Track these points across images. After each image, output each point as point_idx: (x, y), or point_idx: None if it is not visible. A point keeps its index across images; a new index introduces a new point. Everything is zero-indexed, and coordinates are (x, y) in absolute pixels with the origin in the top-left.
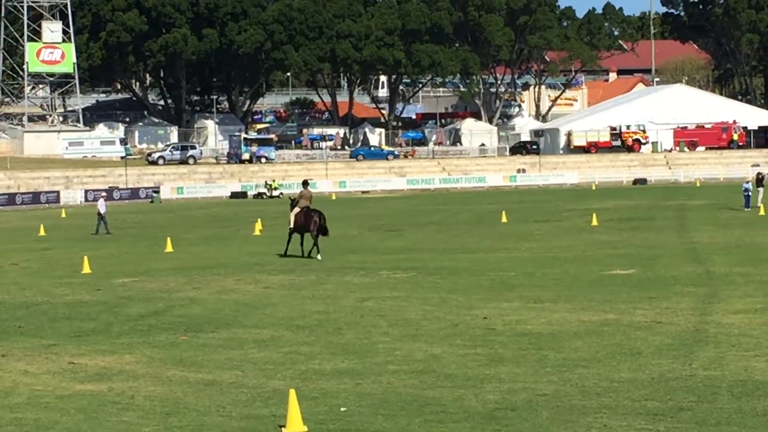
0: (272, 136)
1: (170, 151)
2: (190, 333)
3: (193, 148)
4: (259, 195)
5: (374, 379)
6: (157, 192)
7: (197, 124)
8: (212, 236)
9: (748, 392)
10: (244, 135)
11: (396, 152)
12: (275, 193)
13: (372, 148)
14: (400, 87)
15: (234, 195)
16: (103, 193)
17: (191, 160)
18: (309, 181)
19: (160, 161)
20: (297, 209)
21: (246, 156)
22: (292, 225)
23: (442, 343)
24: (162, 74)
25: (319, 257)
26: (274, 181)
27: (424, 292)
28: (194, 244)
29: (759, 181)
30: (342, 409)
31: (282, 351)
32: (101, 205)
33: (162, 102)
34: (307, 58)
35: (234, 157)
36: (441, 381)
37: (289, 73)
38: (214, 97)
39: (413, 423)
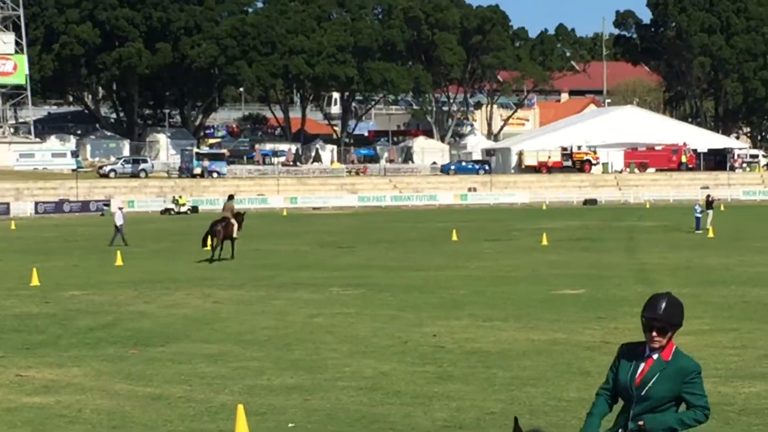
0: (224, 151)
1: (122, 164)
2: (139, 347)
3: (145, 161)
4: (167, 211)
5: (323, 395)
6: (108, 205)
7: (149, 137)
8: (162, 250)
9: None
10: (195, 149)
11: (486, 167)
12: (183, 209)
13: (463, 163)
14: (353, 104)
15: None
16: (120, 205)
17: (143, 174)
18: (233, 196)
19: (112, 174)
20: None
21: (198, 170)
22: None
23: (392, 360)
24: (114, 87)
25: (209, 262)
26: (181, 197)
27: (374, 309)
28: (144, 258)
29: (709, 203)
30: (290, 425)
31: (231, 366)
32: (119, 217)
33: (114, 115)
34: (260, 73)
35: (185, 172)
36: (389, 398)
37: (241, 89)
38: (167, 111)
39: None
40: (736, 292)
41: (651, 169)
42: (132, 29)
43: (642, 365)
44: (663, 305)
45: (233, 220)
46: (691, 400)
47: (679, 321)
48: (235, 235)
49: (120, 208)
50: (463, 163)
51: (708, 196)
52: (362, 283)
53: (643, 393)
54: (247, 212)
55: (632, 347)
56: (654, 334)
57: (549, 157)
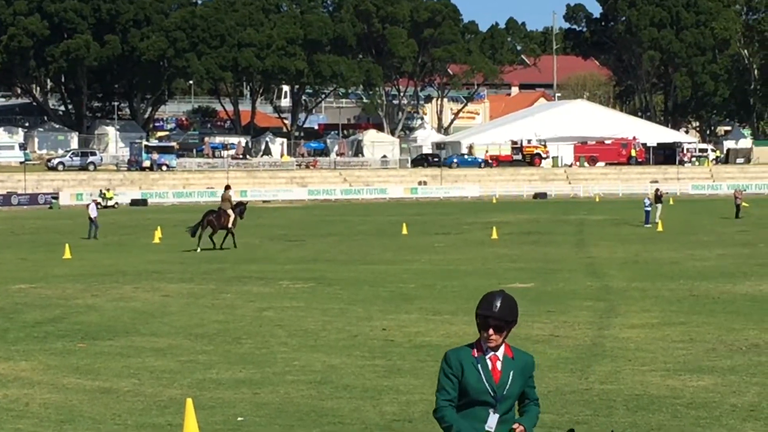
0: (173, 143)
1: (70, 157)
2: (87, 340)
3: (94, 154)
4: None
5: (272, 389)
6: (57, 198)
7: (98, 130)
8: (111, 243)
9: (642, 406)
10: (145, 142)
11: (490, 160)
12: (110, 203)
13: (466, 156)
14: (303, 97)
15: (134, 202)
16: (95, 197)
17: (91, 167)
18: (230, 186)
19: (60, 167)
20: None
21: (147, 163)
22: None
23: (341, 354)
24: (63, 80)
25: (198, 250)
26: (108, 190)
27: (324, 302)
28: (93, 251)
29: (657, 197)
30: (239, 418)
31: (180, 360)
32: (92, 210)
33: (63, 107)
34: (210, 66)
35: (135, 165)
36: (339, 392)
37: (191, 81)
38: (116, 103)
39: None
40: (685, 286)
41: (601, 163)
42: (80, 21)
43: (490, 366)
44: (498, 303)
45: (229, 211)
46: (530, 394)
47: (515, 318)
48: (230, 225)
49: (94, 201)
50: (466, 157)
51: (657, 190)
52: (312, 276)
53: (504, 393)
54: (249, 202)
55: (464, 351)
56: (490, 332)
57: (499, 151)
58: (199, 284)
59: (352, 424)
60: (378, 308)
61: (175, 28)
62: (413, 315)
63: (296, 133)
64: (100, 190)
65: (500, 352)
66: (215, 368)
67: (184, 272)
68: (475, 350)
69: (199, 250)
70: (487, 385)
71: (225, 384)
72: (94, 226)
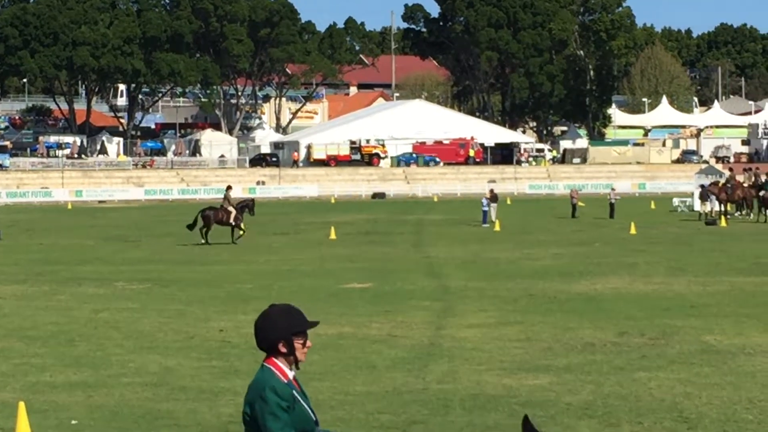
0: (6, 143)
1: None
2: None
3: None
4: None
5: (107, 391)
6: None
7: None
8: None
9: (479, 405)
10: None
11: (437, 159)
12: None
13: (413, 155)
14: (140, 96)
15: None
16: None
17: None
18: (231, 186)
19: None
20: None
21: None
22: None
23: (177, 356)
24: None
25: (202, 241)
26: None
27: (161, 303)
28: None
29: (493, 197)
30: (73, 422)
31: (12, 362)
32: None
33: None
34: (43, 64)
35: None
36: (175, 393)
37: (24, 80)
38: None
39: None
40: (521, 286)
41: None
42: None
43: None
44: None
45: (230, 208)
46: None
47: None
48: (231, 221)
49: None
50: (412, 155)
51: (491, 190)
52: (148, 277)
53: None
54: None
55: (279, 378)
56: (309, 343)
57: (338, 151)
58: (32, 286)
59: (188, 426)
60: (215, 309)
61: (6, 24)
62: (250, 316)
63: (133, 133)
64: None
65: (295, 370)
66: (49, 371)
67: (17, 273)
68: (281, 375)
69: (203, 241)
70: (310, 411)
71: (59, 387)
72: None
